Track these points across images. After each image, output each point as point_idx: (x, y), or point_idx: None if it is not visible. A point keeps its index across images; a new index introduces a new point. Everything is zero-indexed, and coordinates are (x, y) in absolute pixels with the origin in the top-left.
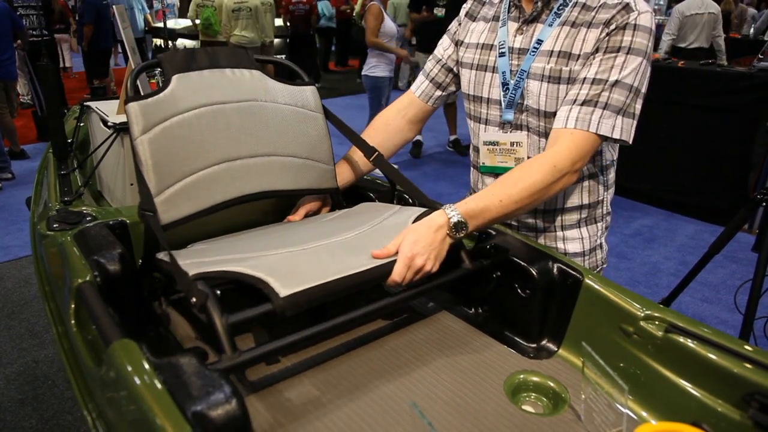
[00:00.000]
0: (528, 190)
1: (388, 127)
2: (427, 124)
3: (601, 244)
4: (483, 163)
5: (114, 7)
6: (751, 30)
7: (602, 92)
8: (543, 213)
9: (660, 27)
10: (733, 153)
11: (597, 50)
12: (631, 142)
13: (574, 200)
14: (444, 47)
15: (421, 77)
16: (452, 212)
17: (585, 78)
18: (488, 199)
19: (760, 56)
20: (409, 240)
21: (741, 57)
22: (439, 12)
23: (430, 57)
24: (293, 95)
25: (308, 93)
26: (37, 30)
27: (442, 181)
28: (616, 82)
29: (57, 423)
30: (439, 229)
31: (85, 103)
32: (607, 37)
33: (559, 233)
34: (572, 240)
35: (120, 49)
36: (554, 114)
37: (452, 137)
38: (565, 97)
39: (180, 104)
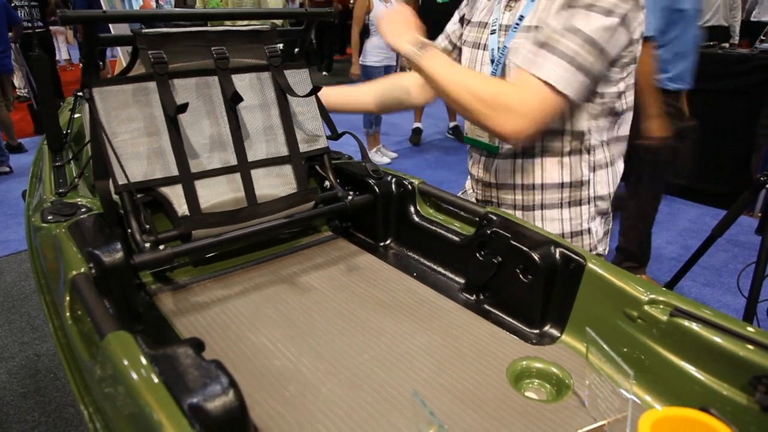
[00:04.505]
0: (470, 87)
1: (396, 81)
2: (426, 111)
3: (588, 229)
4: (466, 134)
5: None
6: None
7: (556, 36)
8: (522, 188)
9: None
10: (736, 136)
11: (561, 6)
12: (578, 102)
13: (553, 177)
14: (452, 22)
15: None
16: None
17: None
18: (444, 59)
19: (762, 38)
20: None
21: (742, 39)
22: None
23: (442, 34)
24: None
25: None
26: (30, 22)
27: (442, 168)
28: (574, 29)
29: (60, 416)
30: None
31: (78, 94)
32: None
33: (538, 212)
34: (552, 220)
35: None
36: None
37: (452, 124)
38: None
39: None
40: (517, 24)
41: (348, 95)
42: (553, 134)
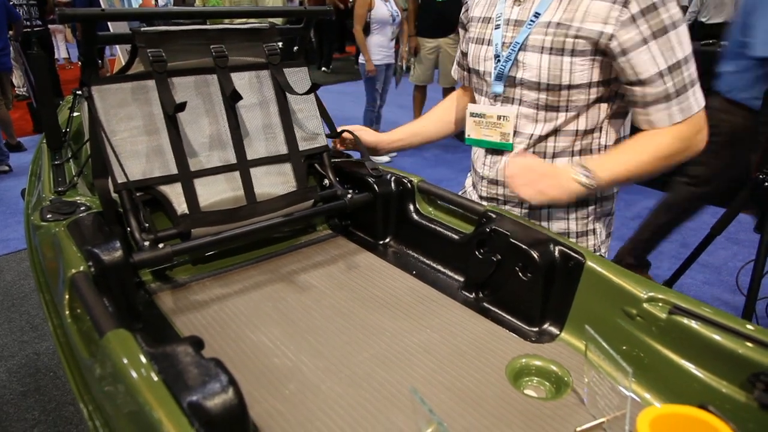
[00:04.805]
0: (656, 156)
1: (451, 104)
2: (424, 109)
3: (594, 229)
4: (468, 135)
5: None
6: None
7: (679, 77)
8: None
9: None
10: None
11: (643, 40)
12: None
13: None
14: (460, 34)
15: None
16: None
17: (657, 72)
18: (611, 160)
19: None
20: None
21: None
22: None
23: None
24: None
25: None
26: (28, 20)
27: (441, 166)
28: (684, 59)
29: (59, 414)
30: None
31: (77, 92)
32: (642, 19)
33: (545, 210)
34: (558, 220)
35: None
36: (557, 86)
37: None
38: (625, 95)
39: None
40: (533, 20)
41: (420, 131)
42: (565, 134)
